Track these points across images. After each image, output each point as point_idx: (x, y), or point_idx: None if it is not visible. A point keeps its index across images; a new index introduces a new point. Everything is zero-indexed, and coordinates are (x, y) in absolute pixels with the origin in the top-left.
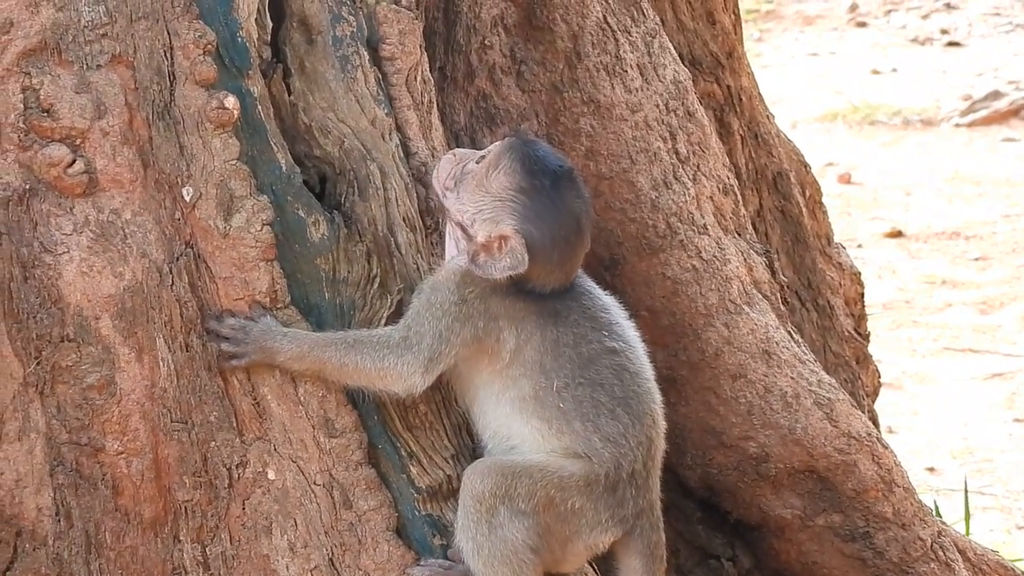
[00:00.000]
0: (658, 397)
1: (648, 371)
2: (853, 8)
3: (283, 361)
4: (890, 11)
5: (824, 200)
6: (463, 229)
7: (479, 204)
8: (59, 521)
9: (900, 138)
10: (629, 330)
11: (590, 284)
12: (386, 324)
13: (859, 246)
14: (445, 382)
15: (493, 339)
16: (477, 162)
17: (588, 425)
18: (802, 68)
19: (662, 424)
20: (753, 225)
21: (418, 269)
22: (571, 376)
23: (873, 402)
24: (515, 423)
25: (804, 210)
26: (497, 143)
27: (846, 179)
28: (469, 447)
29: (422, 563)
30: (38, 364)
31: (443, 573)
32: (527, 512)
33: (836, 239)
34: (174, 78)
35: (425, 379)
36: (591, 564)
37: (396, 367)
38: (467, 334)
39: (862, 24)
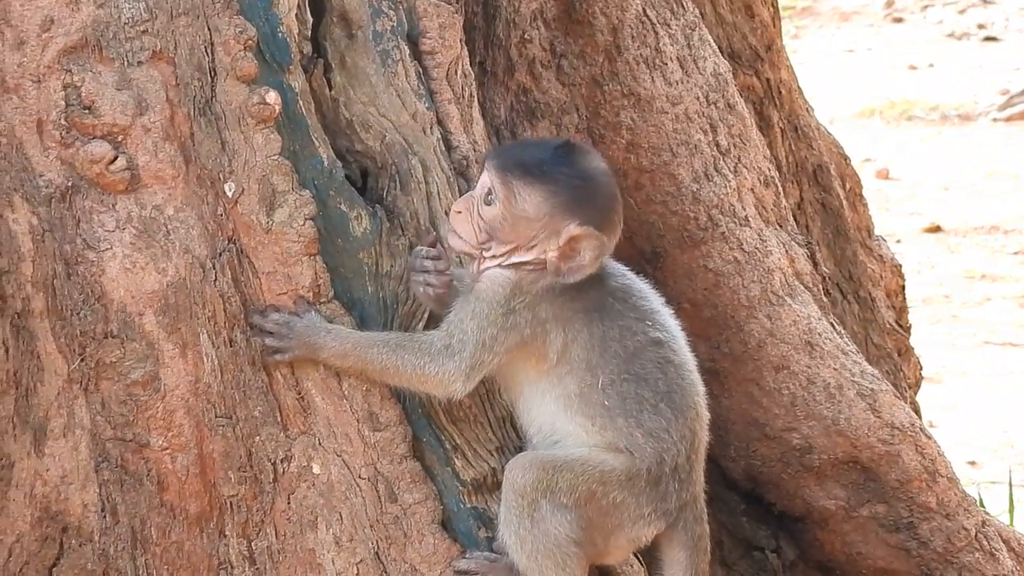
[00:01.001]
0: (701, 388)
1: (691, 362)
2: (889, 4)
3: (326, 357)
4: (926, 6)
5: (864, 194)
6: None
7: (527, 232)
8: (105, 517)
9: (937, 133)
10: (670, 318)
11: (628, 273)
12: (429, 318)
13: (898, 241)
14: (489, 377)
15: (539, 342)
16: (486, 203)
17: (631, 421)
18: (838, 64)
19: (706, 416)
20: (794, 218)
21: (460, 262)
22: (616, 372)
23: (915, 394)
24: (559, 420)
25: (844, 203)
26: (485, 175)
27: (884, 175)
28: (513, 440)
29: (468, 556)
30: (82, 361)
31: (489, 566)
32: (569, 506)
33: (877, 234)
34: (215, 74)
35: (466, 386)
36: (635, 555)
37: (438, 373)
38: (512, 341)
39: (898, 20)
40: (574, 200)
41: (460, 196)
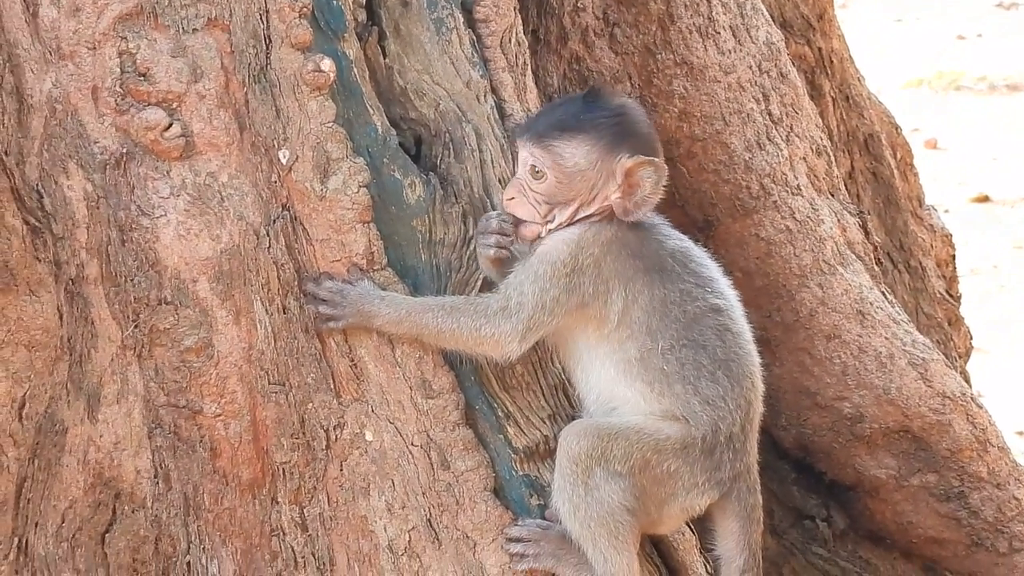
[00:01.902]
0: (756, 358)
1: (747, 331)
2: None
3: (380, 325)
4: None
5: (914, 164)
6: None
7: (585, 184)
8: (157, 483)
9: (986, 103)
10: (727, 287)
11: (685, 239)
12: (481, 286)
13: (946, 211)
14: (541, 342)
15: (601, 302)
16: (535, 177)
17: (688, 388)
18: (887, 34)
19: (761, 387)
20: (845, 187)
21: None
22: (676, 337)
23: (965, 363)
24: (619, 386)
25: (895, 172)
26: (523, 151)
27: (932, 144)
28: (566, 408)
29: (520, 523)
30: (136, 327)
31: (541, 533)
32: (623, 474)
33: (927, 204)
34: (270, 41)
35: (522, 346)
36: (688, 524)
37: (494, 334)
38: (572, 302)
39: None
40: (617, 137)
41: (513, 164)
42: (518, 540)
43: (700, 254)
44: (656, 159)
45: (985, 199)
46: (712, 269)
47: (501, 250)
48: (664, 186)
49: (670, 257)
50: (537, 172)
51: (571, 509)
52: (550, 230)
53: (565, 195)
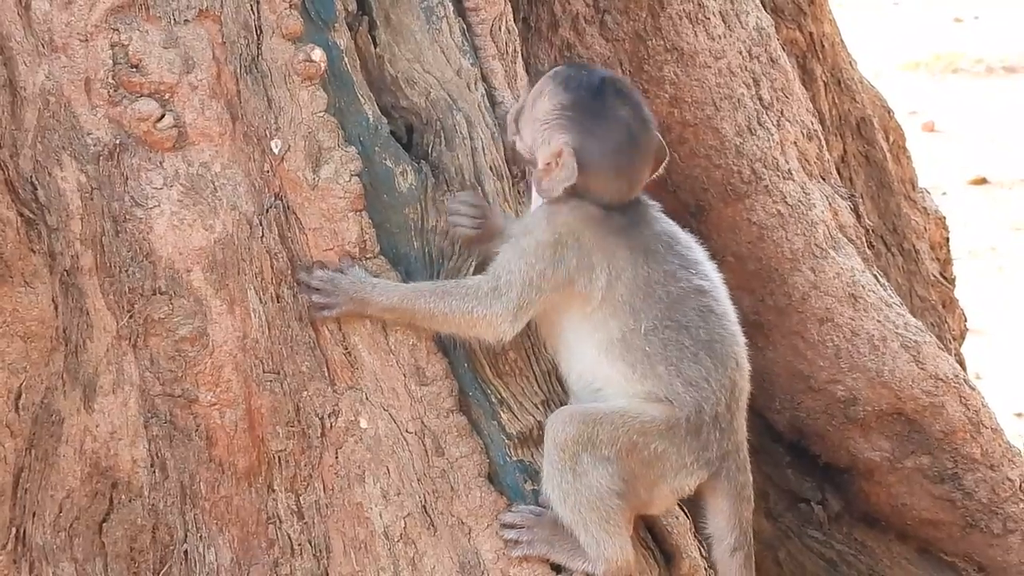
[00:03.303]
0: (741, 339)
1: (732, 312)
2: None
3: (373, 312)
4: None
5: (908, 147)
6: (532, 165)
7: (534, 134)
8: (154, 472)
9: (983, 86)
10: (712, 270)
11: (671, 223)
12: (474, 273)
13: (943, 193)
14: (533, 328)
15: (585, 278)
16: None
17: (671, 369)
18: (884, 17)
19: (746, 366)
20: (837, 171)
21: (505, 217)
22: (658, 318)
23: (960, 346)
24: (601, 366)
25: (888, 155)
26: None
27: (930, 127)
28: (559, 393)
29: (514, 509)
30: (131, 317)
31: (534, 519)
32: (610, 458)
33: (920, 186)
34: (261, 32)
35: (514, 327)
36: (681, 507)
37: (486, 315)
38: (559, 277)
39: None
40: (578, 124)
41: (504, 152)
42: (512, 526)
43: (687, 238)
44: (586, 167)
45: (983, 181)
46: (697, 252)
47: (477, 226)
48: (570, 185)
49: (655, 239)
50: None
51: (561, 495)
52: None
53: (524, 133)
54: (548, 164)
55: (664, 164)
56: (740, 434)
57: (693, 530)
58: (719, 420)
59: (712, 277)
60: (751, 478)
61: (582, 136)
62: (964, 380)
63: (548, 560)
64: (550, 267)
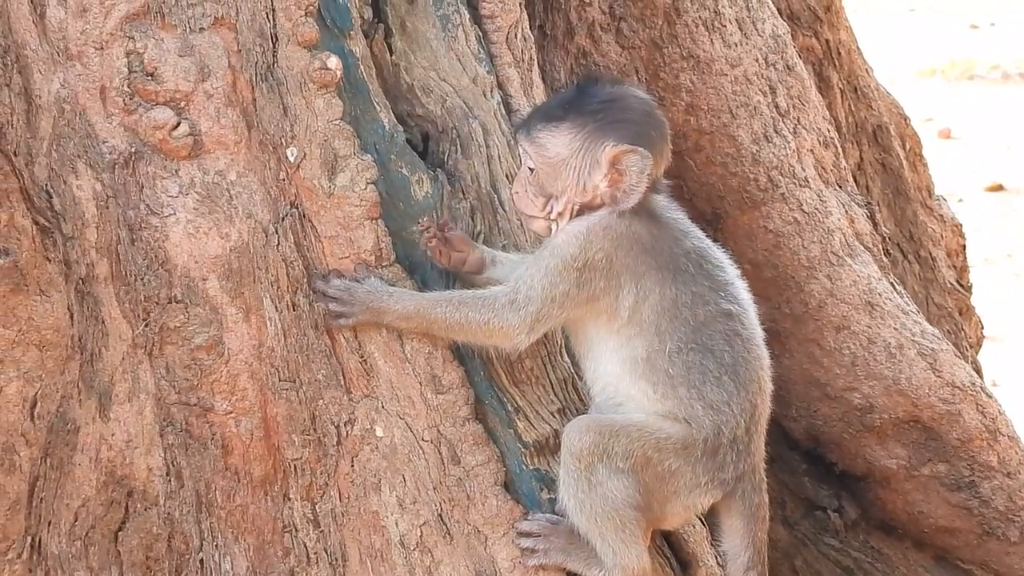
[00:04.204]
0: (767, 361)
1: (759, 335)
2: None
3: (390, 321)
4: None
5: (924, 155)
6: (588, 202)
7: (568, 175)
8: (170, 481)
9: (999, 92)
10: (743, 291)
11: (704, 238)
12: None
13: (960, 200)
14: (551, 336)
15: (612, 297)
16: (530, 169)
17: (692, 392)
18: (900, 23)
19: (768, 388)
20: (854, 178)
21: (521, 224)
22: (684, 340)
23: (976, 353)
24: (624, 383)
25: (904, 162)
26: (519, 147)
27: (946, 134)
28: (575, 402)
29: (530, 518)
30: (146, 326)
31: (551, 528)
32: (625, 470)
33: (937, 194)
34: (276, 40)
35: (530, 337)
36: (699, 517)
37: (502, 327)
38: (583, 296)
39: None
40: (601, 125)
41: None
42: (528, 535)
43: (718, 255)
44: (639, 147)
45: (999, 188)
46: (728, 271)
47: (436, 243)
48: (649, 175)
49: (684, 257)
50: (529, 164)
51: (577, 504)
52: (559, 224)
53: (554, 186)
54: (611, 180)
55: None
56: (757, 455)
57: (709, 538)
58: (737, 443)
59: (741, 298)
60: (767, 498)
61: (619, 130)
62: (981, 388)
63: (564, 569)
64: (574, 287)
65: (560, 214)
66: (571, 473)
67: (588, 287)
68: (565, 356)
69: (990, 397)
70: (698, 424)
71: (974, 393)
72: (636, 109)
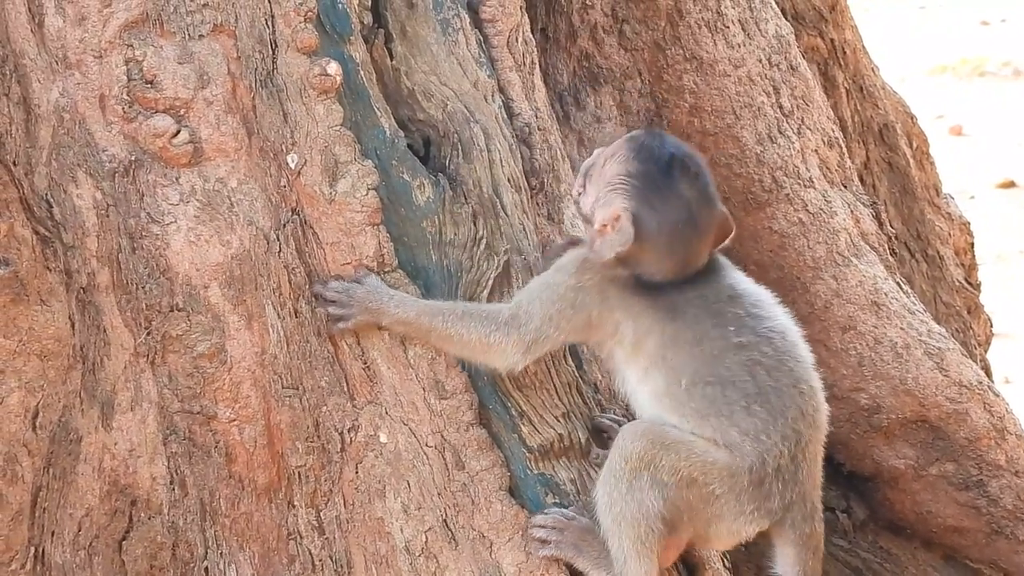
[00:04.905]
0: (808, 387)
1: (792, 361)
2: None
3: (389, 323)
4: None
5: (935, 152)
6: (589, 224)
7: (597, 193)
8: (174, 489)
9: (1011, 89)
10: (767, 320)
11: (730, 274)
12: (492, 285)
13: (971, 197)
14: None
15: (611, 328)
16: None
17: (723, 421)
18: (910, 21)
19: (816, 415)
20: (860, 178)
21: (524, 229)
22: (697, 374)
23: (985, 351)
24: (655, 411)
25: (911, 161)
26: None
27: (957, 131)
28: (580, 406)
29: (547, 512)
30: (148, 334)
31: (565, 523)
32: (668, 484)
33: (948, 191)
34: (276, 46)
35: (526, 358)
36: (722, 558)
37: (501, 343)
38: (579, 320)
39: None
40: (642, 194)
41: (522, 164)
42: (543, 527)
43: (726, 288)
44: (641, 235)
45: (1011, 184)
46: (740, 303)
47: None
48: (621, 252)
49: (685, 302)
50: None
51: (608, 502)
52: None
53: (590, 190)
54: (604, 226)
55: (731, 237)
56: (808, 484)
57: None
58: (782, 472)
59: (759, 329)
60: (821, 528)
61: (642, 206)
62: (988, 387)
63: (571, 566)
64: (570, 308)
65: (583, 214)
66: (615, 472)
67: (583, 311)
68: (569, 360)
69: (997, 396)
70: (740, 451)
71: (981, 392)
72: (680, 217)
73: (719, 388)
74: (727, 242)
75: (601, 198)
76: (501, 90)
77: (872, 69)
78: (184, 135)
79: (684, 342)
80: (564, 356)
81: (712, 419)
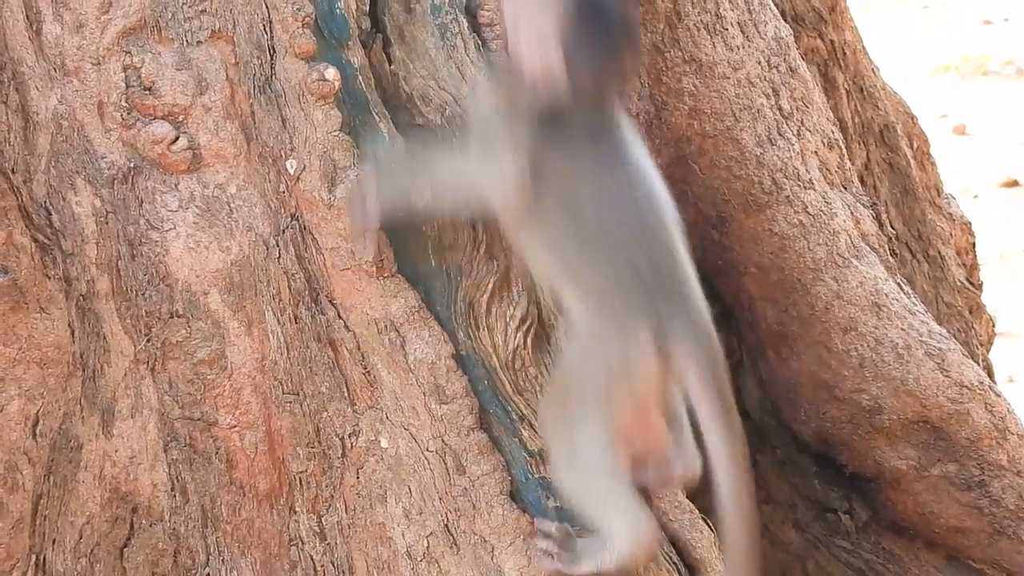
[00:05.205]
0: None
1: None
2: None
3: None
4: None
5: (939, 152)
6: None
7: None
8: (175, 496)
9: (1014, 88)
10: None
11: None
12: (492, 290)
13: (975, 197)
14: (554, 343)
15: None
16: None
17: (603, 283)
18: (913, 20)
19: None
20: (861, 179)
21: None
22: (585, 233)
23: (988, 351)
24: (549, 278)
25: (912, 162)
26: None
27: (960, 130)
28: None
29: (547, 519)
30: (148, 341)
31: (566, 532)
32: (592, 412)
33: (951, 191)
34: (274, 52)
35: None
36: (706, 522)
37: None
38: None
39: None
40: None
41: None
42: (548, 536)
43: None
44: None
45: (1014, 183)
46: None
47: None
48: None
49: (591, 146)
50: None
51: (569, 483)
52: None
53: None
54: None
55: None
56: (685, 298)
57: (717, 544)
58: (639, 283)
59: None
60: (714, 338)
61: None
62: (989, 387)
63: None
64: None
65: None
66: (555, 452)
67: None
68: None
69: (999, 396)
70: (594, 293)
71: (982, 392)
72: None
73: (606, 249)
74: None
75: (529, 38)
76: None
77: (872, 70)
78: (183, 141)
79: (579, 193)
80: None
81: (588, 278)
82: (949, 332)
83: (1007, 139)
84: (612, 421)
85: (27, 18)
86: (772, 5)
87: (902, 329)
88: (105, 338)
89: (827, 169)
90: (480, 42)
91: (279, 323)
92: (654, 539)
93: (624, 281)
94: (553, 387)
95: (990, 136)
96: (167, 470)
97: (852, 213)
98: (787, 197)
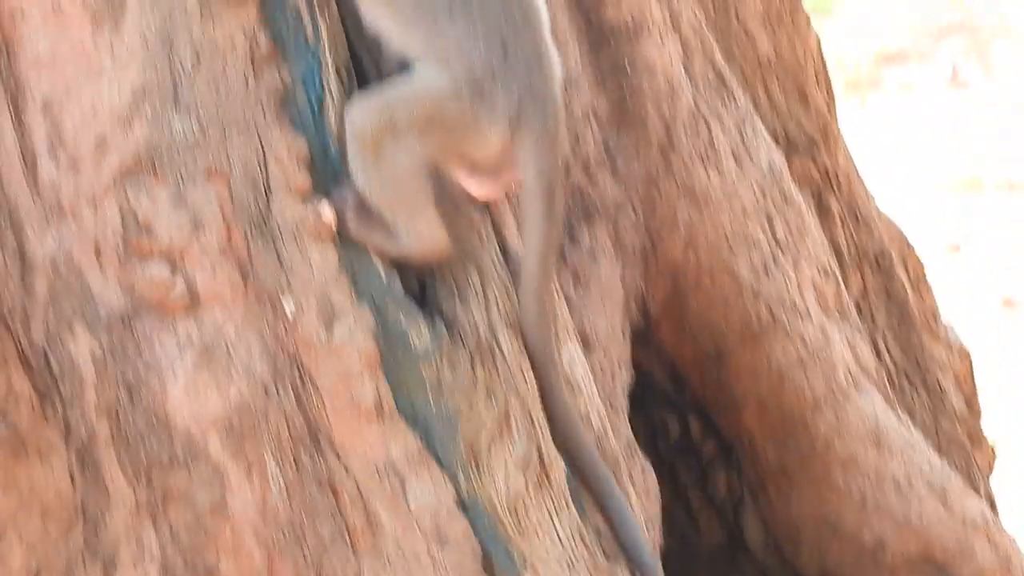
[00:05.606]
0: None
1: None
2: (955, 76)
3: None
4: (993, 76)
5: (934, 271)
6: None
7: None
8: None
9: (1008, 203)
10: None
11: None
12: (490, 427)
13: (971, 316)
14: (557, 488)
15: None
16: None
17: (430, 29)
18: (907, 136)
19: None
20: (857, 307)
21: (522, 371)
22: None
23: (988, 479)
24: (375, 20)
25: (908, 289)
26: None
27: (955, 248)
28: (583, 556)
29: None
30: (149, 488)
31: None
32: (411, 137)
33: (946, 310)
34: (270, 190)
35: None
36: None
37: None
38: None
39: (964, 86)
40: None
41: (519, 305)
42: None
43: None
44: None
45: (1010, 303)
46: None
47: None
48: None
49: None
50: None
51: (368, 186)
52: None
53: None
54: None
55: None
56: (534, 78)
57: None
58: (496, 75)
59: None
60: (561, 127)
61: None
62: (992, 522)
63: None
64: None
65: None
66: (358, 156)
67: None
68: (572, 508)
69: (1002, 532)
70: (449, 66)
71: (986, 528)
72: None
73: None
74: None
75: None
76: (496, 231)
77: (866, 195)
78: (180, 282)
79: None
80: (567, 504)
81: (420, 26)
82: (949, 463)
83: (1002, 256)
84: (431, 154)
85: (23, 159)
86: (764, 132)
87: (903, 463)
88: (106, 486)
89: (823, 298)
90: None
91: (280, 468)
92: (446, 244)
93: (492, 49)
94: (381, 99)
95: (986, 254)
96: None
97: (850, 343)
98: (784, 329)
